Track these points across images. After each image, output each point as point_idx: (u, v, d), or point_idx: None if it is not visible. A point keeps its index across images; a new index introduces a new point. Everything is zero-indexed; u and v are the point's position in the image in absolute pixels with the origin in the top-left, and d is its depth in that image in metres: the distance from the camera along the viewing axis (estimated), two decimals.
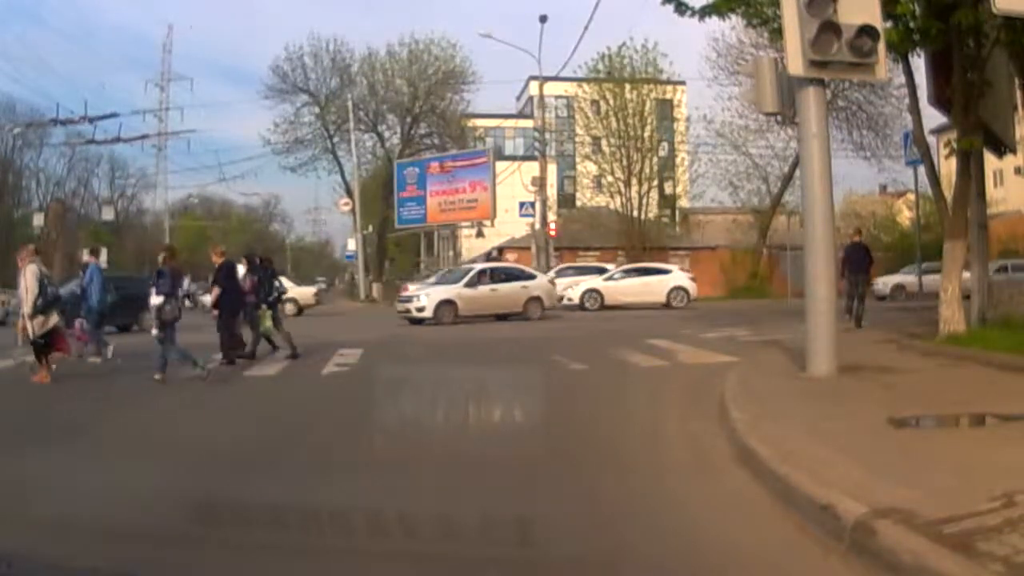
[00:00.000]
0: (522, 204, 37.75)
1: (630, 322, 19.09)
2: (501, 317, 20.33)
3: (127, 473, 4.95)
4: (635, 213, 36.63)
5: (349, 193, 41.87)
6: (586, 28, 56.56)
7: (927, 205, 21.52)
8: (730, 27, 27.24)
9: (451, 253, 43.57)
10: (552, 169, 39.10)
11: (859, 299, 14.53)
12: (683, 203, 43.50)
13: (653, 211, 39.22)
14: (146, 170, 52.45)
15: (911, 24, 9.37)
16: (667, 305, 25.12)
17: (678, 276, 26.48)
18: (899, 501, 3.34)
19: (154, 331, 9.94)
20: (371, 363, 11.49)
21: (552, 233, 33.79)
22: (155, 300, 9.86)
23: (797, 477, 3.95)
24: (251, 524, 3.85)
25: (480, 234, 38.30)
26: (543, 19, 33.70)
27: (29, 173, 50.90)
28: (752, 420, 5.45)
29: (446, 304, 19.82)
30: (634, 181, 36.65)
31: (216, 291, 11.61)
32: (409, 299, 20.67)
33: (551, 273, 26.88)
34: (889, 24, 8.75)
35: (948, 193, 10.50)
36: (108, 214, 51.73)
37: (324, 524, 3.84)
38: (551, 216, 35.45)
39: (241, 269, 12.25)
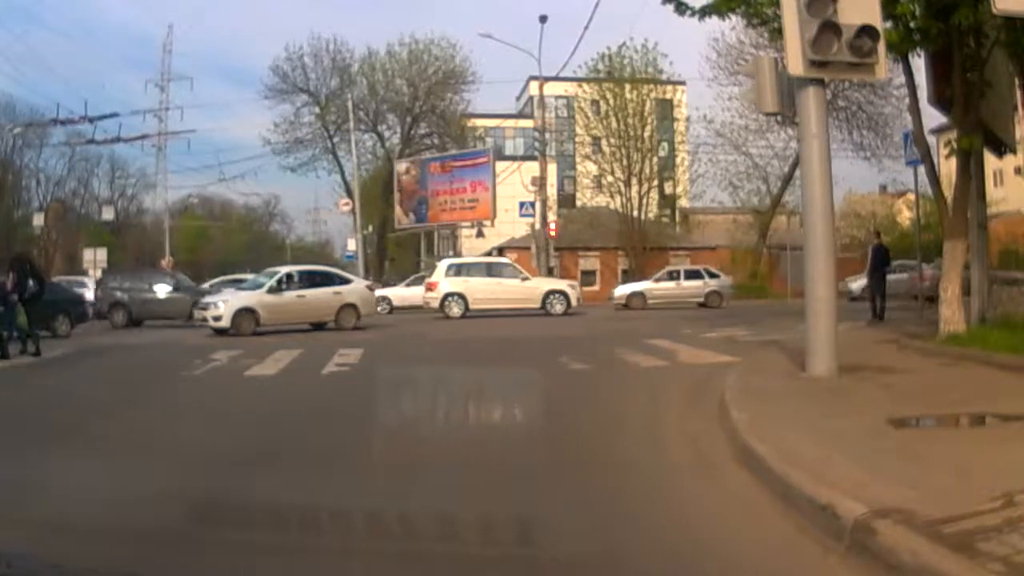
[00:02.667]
0: (522, 204, 37.75)
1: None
2: (316, 326, 18.52)
3: (127, 473, 4.95)
4: (635, 213, 36.64)
5: (349, 193, 41.86)
6: (586, 28, 56.67)
7: (927, 205, 21.44)
8: (730, 27, 27.26)
9: (451, 253, 43.54)
10: (552, 169, 39.07)
11: (878, 296, 15.84)
12: (683, 203, 43.53)
13: (653, 211, 39.25)
14: (146, 170, 52.25)
15: (911, 24, 9.37)
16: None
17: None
18: (899, 501, 3.34)
19: None
20: (371, 363, 11.49)
21: (552, 233, 33.80)
22: None
23: (797, 477, 3.95)
24: (251, 524, 3.84)
25: (480, 234, 38.31)
26: (543, 19, 33.73)
27: (29, 173, 50.82)
28: (752, 420, 5.45)
29: (245, 313, 17.76)
30: (634, 181, 36.65)
31: None
32: (206, 306, 18.46)
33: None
34: (889, 24, 8.74)
35: (948, 193, 10.50)
36: (108, 214, 51.66)
37: (324, 524, 3.84)
38: (551, 216, 35.45)
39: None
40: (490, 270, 24.84)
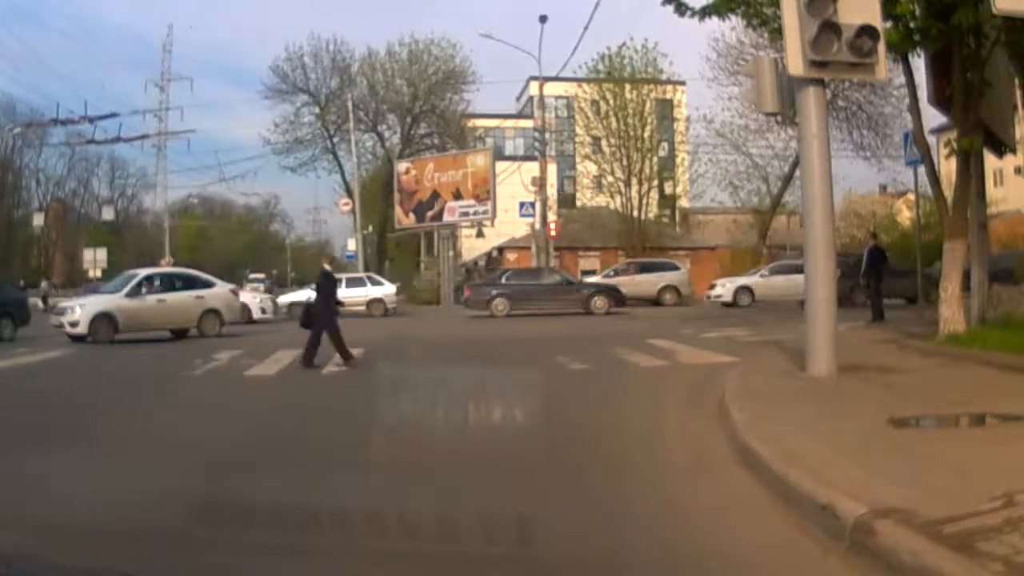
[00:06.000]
0: (522, 204, 37.71)
1: None
2: (178, 334, 17.47)
3: (127, 473, 4.95)
4: (635, 213, 36.64)
5: (349, 193, 41.82)
6: (586, 28, 56.70)
7: (927, 205, 21.46)
8: (730, 27, 27.16)
9: (451, 253, 43.53)
10: (552, 169, 39.03)
11: (873, 296, 15.90)
12: (683, 203, 43.51)
13: (653, 211, 39.24)
14: (146, 170, 52.43)
15: (911, 24, 9.36)
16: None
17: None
18: (899, 501, 3.34)
19: None
20: (371, 363, 11.49)
21: (552, 233, 33.78)
22: None
23: (797, 477, 3.95)
24: (251, 524, 3.85)
25: (480, 234, 38.27)
26: (543, 19, 33.72)
27: (29, 173, 51.08)
28: (752, 420, 5.45)
29: (103, 318, 16.50)
30: (634, 181, 36.64)
31: None
32: (63, 311, 17.25)
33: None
34: (889, 24, 8.74)
35: (948, 193, 10.50)
36: (108, 214, 51.78)
37: (324, 524, 3.84)
38: (551, 216, 35.41)
39: None
40: None
